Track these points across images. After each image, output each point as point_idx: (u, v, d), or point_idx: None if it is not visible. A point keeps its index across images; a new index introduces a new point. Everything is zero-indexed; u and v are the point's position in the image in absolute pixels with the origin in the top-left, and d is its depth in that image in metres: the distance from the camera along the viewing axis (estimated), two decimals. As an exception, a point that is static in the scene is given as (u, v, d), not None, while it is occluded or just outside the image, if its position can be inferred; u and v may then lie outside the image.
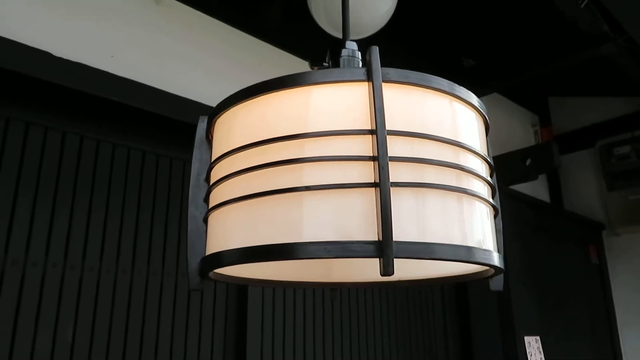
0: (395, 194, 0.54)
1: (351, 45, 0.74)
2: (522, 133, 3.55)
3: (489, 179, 0.64)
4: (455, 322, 2.61)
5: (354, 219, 0.54)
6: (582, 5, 1.99)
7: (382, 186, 0.53)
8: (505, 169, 2.67)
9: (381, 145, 0.54)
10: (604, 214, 3.55)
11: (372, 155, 0.55)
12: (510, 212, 2.71)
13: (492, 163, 0.66)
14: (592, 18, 2.18)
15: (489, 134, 0.70)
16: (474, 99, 0.64)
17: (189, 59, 1.79)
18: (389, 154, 0.55)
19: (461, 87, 0.63)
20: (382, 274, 0.52)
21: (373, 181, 0.54)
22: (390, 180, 0.54)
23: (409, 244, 0.53)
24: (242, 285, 1.80)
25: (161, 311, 1.60)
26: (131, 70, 1.60)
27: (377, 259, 0.84)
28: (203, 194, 0.70)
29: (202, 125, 0.74)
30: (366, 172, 0.55)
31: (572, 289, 3.18)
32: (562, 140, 3.60)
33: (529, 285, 2.79)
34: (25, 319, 1.34)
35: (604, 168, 3.52)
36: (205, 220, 0.69)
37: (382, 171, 0.53)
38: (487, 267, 0.73)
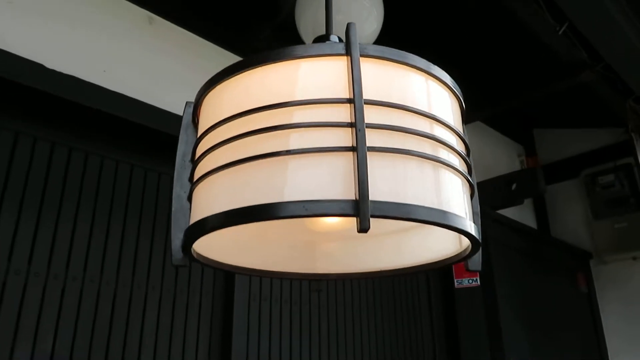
0: (372, 159, 0.56)
1: (334, 39, 0.77)
2: (508, 162, 3.61)
3: (463, 153, 0.66)
4: (444, 356, 2.59)
5: (333, 181, 0.56)
6: (560, 32, 2.08)
7: (359, 148, 0.55)
8: (492, 193, 2.70)
9: (358, 111, 0.56)
10: (591, 242, 3.57)
11: (350, 121, 0.57)
12: (498, 237, 2.73)
13: (467, 142, 0.69)
14: (570, 45, 2.27)
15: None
16: (448, 79, 0.67)
17: (179, 77, 1.83)
18: (366, 122, 0.57)
19: (437, 67, 0.66)
20: (359, 231, 0.53)
21: (351, 145, 0.56)
22: (368, 145, 0.56)
23: (385, 203, 0.54)
24: (228, 299, 1.78)
25: (144, 324, 1.58)
26: (122, 85, 1.63)
27: (359, 247, 0.84)
28: (188, 174, 0.72)
29: (188, 110, 0.76)
30: (345, 138, 0.57)
31: (562, 317, 3.17)
32: (548, 170, 3.65)
33: (518, 312, 2.78)
34: (4, 327, 1.31)
35: (589, 197, 3.57)
36: (190, 198, 0.70)
37: (359, 133, 0.55)
38: (464, 248, 0.74)
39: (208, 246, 0.80)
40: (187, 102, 0.77)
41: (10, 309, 1.33)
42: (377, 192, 0.55)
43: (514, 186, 2.63)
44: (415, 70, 0.64)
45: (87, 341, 1.46)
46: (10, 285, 1.35)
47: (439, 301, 2.71)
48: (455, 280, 2.65)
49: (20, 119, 1.46)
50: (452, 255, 0.78)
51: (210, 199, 0.62)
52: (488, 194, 2.69)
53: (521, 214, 3.44)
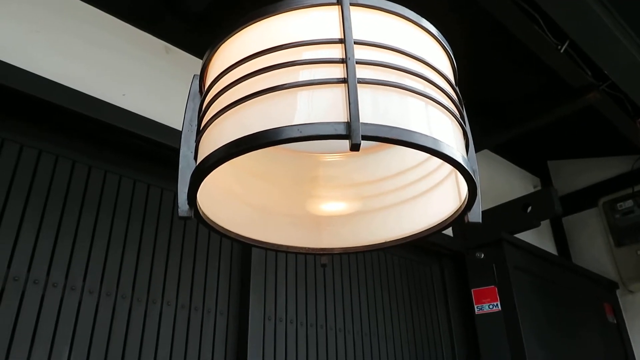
0: (364, 90, 0.60)
1: None
2: (524, 192, 3.58)
3: (455, 99, 0.69)
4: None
5: (326, 110, 0.59)
6: (562, 50, 2.13)
7: (349, 77, 0.59)
8: (507, 217, 2.68)
9: (348, 44, 0.60)
10: (616, 272, 3.48)
11: (341, 57, 0.61)
12: (518, 262, 2.68)
13: (458, 90, 0.72)
14: (574, 66, 2.31)
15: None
16: (436, 32, 0.71)
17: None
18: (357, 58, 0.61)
19: (426, 21, 0.70)
20: (351, 149, 0.56)
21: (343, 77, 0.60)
22: (358, 77, 0.60)
23: (375, 125, 0.57)
24: (243, 319, 1.77)
25: (159, 341, 1.58)
26: (140, 107, 1.71)
27: (362, 222, 0.87)
28: (194, 137, 0.76)
29: (195, 82, 0.81)
30: (339, 74, 0.61)
31: (589, 347, 3.04)
32: (565, 201, 3.60)
33: (543, 341, 2.69)
34: (21, 335, 1.33)
35: (609, 224, 3.51)
36: (196, 156, 0.74)
37: (349, 62, 0.59)
38: (461, 204, 0.76)
39: (216, 216, 0.83)
40: (194, 75, 0.82)
41: (28, 318, 1.35)
42: (369, 116, 0.58)
43: (529, 209, 2.61)
44: (405, 20, 0.68)
45: (102, 356, 1.46)
46: (29, 295, 1.37)
47: (460, 329, 2.64)
48: (475, 307, 2.59)
49: (43, 137, 1.53)
50: (452, 214, 0.79)
51: (212, 142, 0.66)
52: (504, 218, 2.67)
53: (541, 243, 3.38)
